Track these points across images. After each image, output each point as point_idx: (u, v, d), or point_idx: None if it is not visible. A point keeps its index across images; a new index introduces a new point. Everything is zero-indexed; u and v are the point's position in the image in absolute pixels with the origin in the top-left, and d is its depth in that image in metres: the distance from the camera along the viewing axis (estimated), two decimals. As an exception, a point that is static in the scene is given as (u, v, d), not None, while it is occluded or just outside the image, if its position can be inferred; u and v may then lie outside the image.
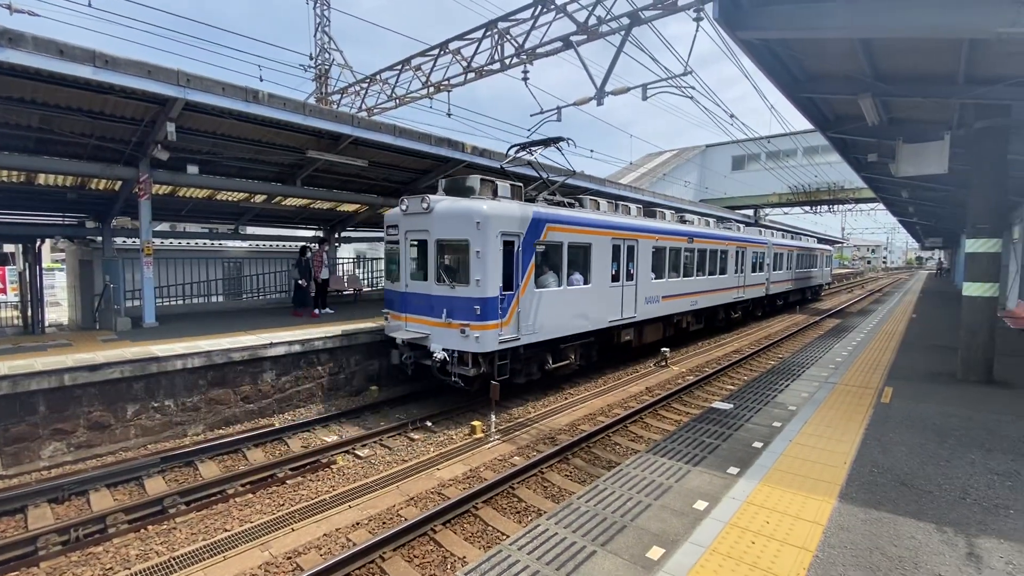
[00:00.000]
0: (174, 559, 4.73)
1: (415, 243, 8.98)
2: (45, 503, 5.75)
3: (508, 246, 8.39)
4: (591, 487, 4.68)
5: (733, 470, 4.92)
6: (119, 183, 11.03)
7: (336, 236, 18.20)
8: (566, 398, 9.79)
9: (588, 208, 11.23)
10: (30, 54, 6.25)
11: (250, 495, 6.07)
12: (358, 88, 17.20)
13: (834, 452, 5.10)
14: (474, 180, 8.73)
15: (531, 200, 9.73)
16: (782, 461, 4.92)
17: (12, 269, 15.86)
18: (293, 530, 5.22)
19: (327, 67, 21.13)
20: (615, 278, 11.14)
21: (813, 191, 30.32)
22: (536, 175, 11.62)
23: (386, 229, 9.33)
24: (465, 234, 8.08)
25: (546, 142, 10.15)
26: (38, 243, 12.54)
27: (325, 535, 5.15)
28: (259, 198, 13.60)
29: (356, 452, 7.30)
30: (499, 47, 11.77)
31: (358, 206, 15.54)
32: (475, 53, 12.41)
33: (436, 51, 13.43)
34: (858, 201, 30.32)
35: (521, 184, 9.63)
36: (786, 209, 34.94)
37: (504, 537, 5.19)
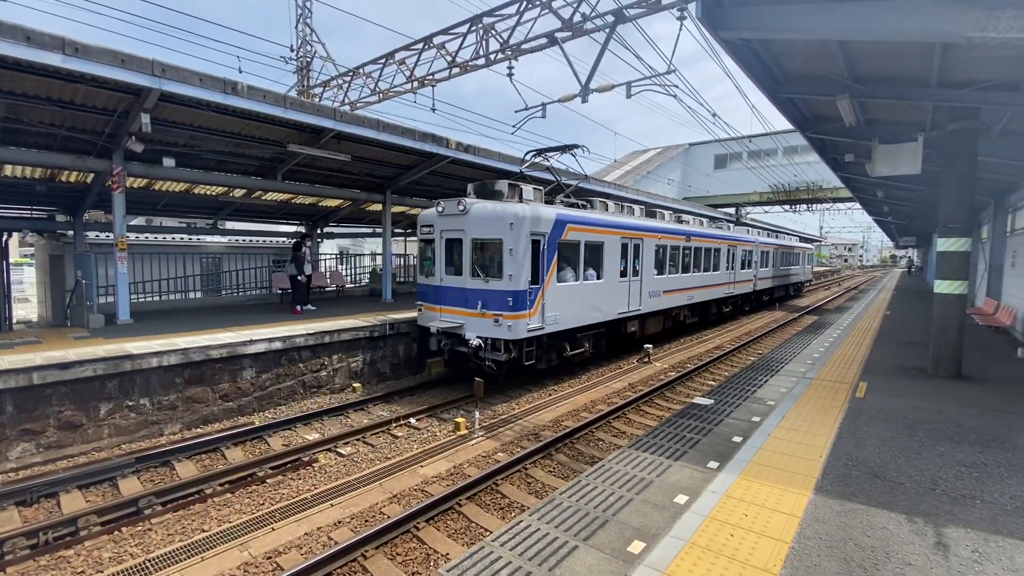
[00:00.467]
0: (149, 561, 4.62)
1: (450, 241, 9.68)
2: (12, 506, 5.56)
3: (535, 244, 9.19)
4: (574, 482, 4.70)
5: (713, 464, 4.99)
6: (91, 175, 10.71)
7: (319, 232, 17.96)
8: (550, 394, 9.83)
9: (598, 209, 12.05)
10: (-5, 40, 6.01)
11: (229, 495, 5.96)
12: (341, 81, 16.93)
13: (810, 446, 5.21)
14: (502, 184, 9.70)
15: (550, 202, 10.53)
16: (760, 455, 5.02)
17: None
18: (273, 530, 5.14)
19: (309, 59, 20.71)
20: (623, 274, 11.97)
21: (793, 190, 30.99)
22: (552, 178, 12.78)
23: (419, 228, 10.13)
24: (499, 233, 8.87)
25: (562, 148, 11.20)
26: (5, 237, 12.12)
27: (306, 534, 5.09)
28: (238, 192, 13.33)
29: (338, 450, 7.23)
30: (484, 42, 11.71)
31: (341, 201, 15.35)
32: (460, 48, 12.34)
33: (420, 45, 13.31)
34: (836, 200, 31.07)
35: (542, 188, 10.49)
36: (767, 208, 35.59)
37: (487, 533, 5.19)
